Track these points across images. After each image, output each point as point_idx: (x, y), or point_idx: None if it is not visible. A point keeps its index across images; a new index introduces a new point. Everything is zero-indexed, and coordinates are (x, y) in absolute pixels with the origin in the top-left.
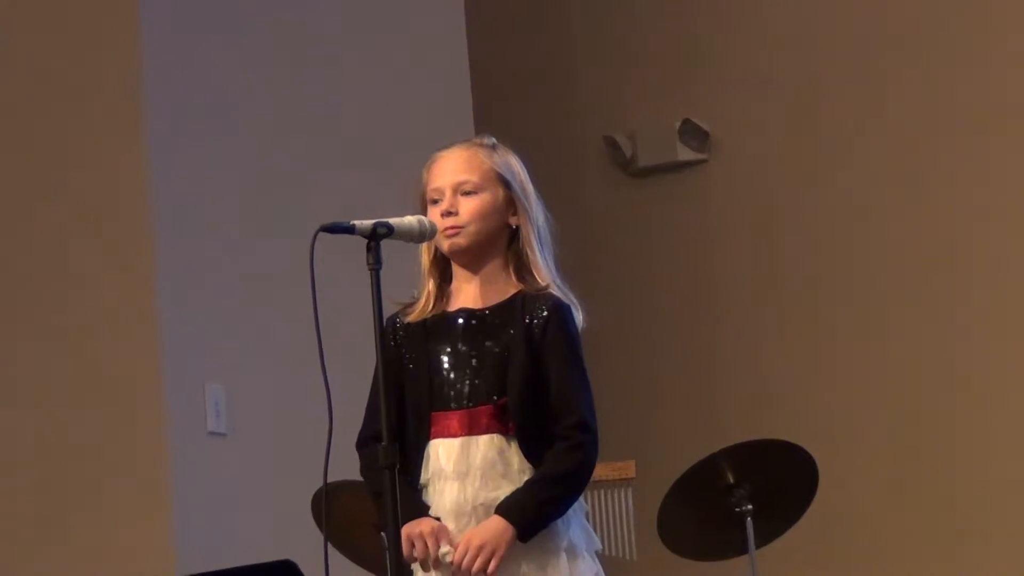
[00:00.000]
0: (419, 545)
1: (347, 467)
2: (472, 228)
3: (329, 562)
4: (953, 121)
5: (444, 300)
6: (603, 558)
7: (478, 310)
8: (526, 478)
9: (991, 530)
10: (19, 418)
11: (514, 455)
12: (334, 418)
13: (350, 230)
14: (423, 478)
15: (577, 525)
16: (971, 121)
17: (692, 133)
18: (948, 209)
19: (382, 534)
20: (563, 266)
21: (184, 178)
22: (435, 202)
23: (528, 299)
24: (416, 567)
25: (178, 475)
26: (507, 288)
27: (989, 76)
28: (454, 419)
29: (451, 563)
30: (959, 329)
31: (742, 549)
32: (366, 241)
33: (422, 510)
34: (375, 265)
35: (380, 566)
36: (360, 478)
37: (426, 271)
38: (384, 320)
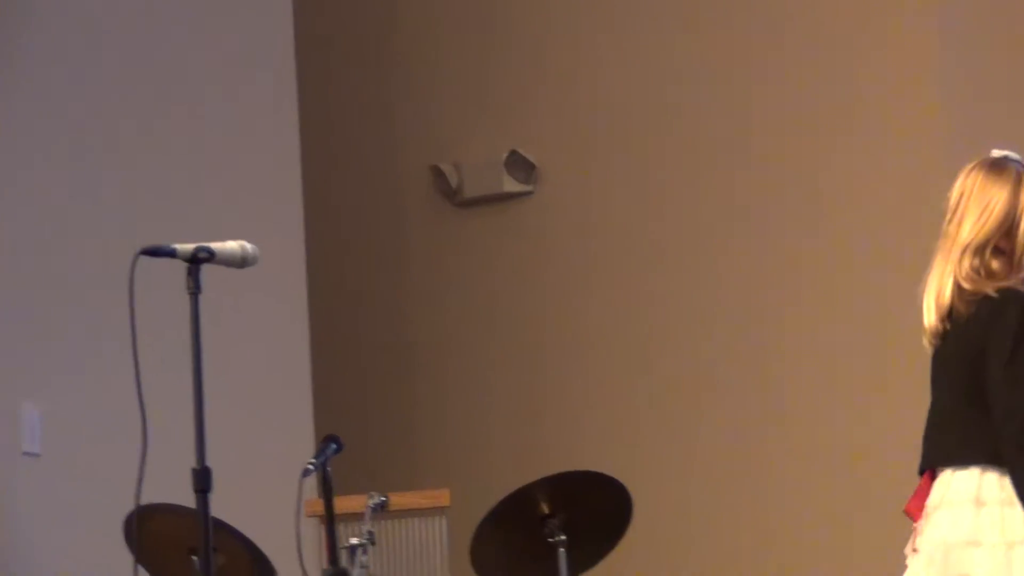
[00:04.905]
0: None
1: (160, 489)
2: None
3: None
4: (783, 162)
5: None
6: None
7: None
8: None
9: (804, 562)
10: None
11: None
12: (149, 440)
13: (171, 254)
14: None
15: None
16: (804, 159)
17: (518, 165)
18: (777, 244)
19: (193, 558)
20: (383, 293)
21: (1, 195)
22: None
23: None
24: None
25: None
26: None
27: (842, 108)
28: None
29: None
30: (776, 363)
31: None
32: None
33: None
34: (194, 289)
35: None
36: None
37: None
38: None
